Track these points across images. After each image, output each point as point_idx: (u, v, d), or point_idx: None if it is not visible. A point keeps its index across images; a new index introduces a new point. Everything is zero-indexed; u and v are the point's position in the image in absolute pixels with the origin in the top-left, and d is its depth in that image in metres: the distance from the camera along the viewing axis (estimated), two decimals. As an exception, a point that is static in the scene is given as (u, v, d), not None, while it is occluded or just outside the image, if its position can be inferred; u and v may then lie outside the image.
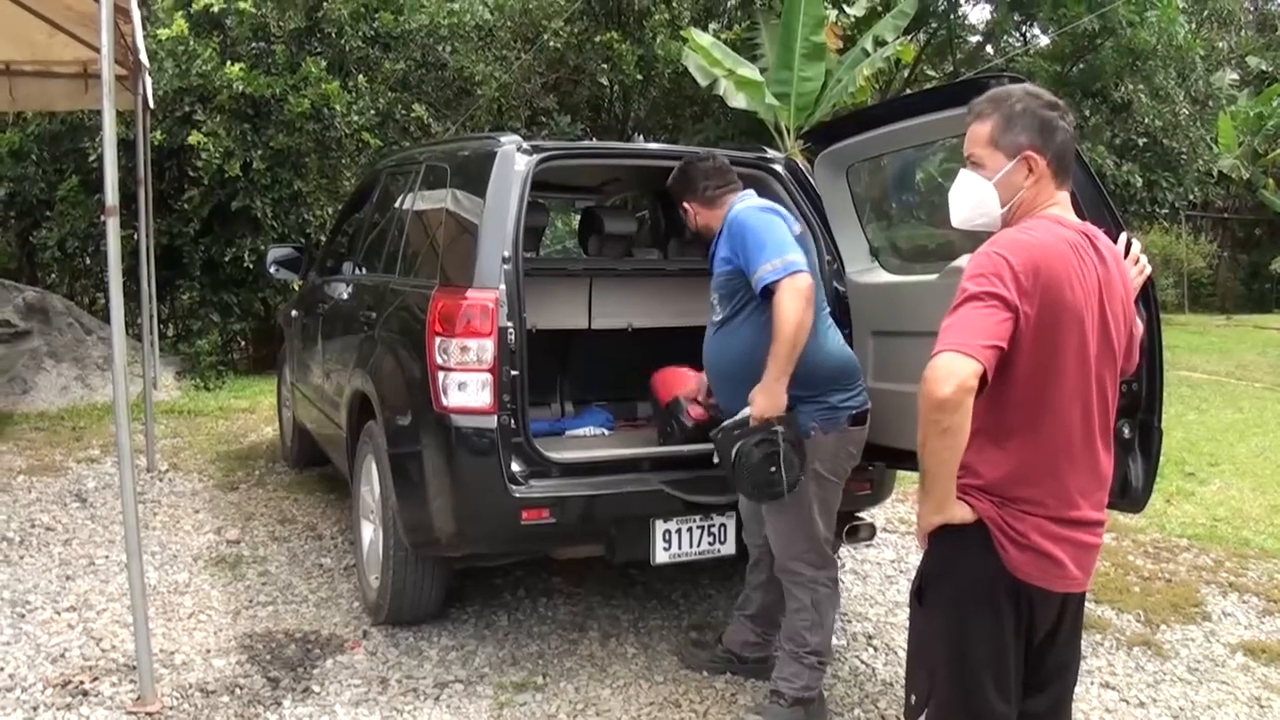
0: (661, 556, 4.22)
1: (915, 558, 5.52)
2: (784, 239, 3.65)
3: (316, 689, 4.14)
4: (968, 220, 2.64)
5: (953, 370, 2.28)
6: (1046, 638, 2.58)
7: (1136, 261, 2.83)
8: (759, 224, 3.73)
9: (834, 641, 4.70)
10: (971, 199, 2.61)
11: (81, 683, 4.15)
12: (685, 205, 4.13)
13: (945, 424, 2.31)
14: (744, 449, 3.60)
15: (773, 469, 3.58)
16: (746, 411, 3.62)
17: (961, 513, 2.48)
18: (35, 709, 3.94)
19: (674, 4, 13.70)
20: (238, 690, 4.12)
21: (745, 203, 3.93)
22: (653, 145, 5.96)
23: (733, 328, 3.81)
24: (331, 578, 5.36)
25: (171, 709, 3.96)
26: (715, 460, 3.79)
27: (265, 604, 5.01)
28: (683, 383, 4.63)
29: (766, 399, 3.58)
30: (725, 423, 3.72)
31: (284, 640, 4.59)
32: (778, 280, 3.54)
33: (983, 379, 2.30)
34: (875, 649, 4.67)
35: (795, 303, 3.51)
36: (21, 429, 8.84)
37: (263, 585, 5.25)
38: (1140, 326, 2.75)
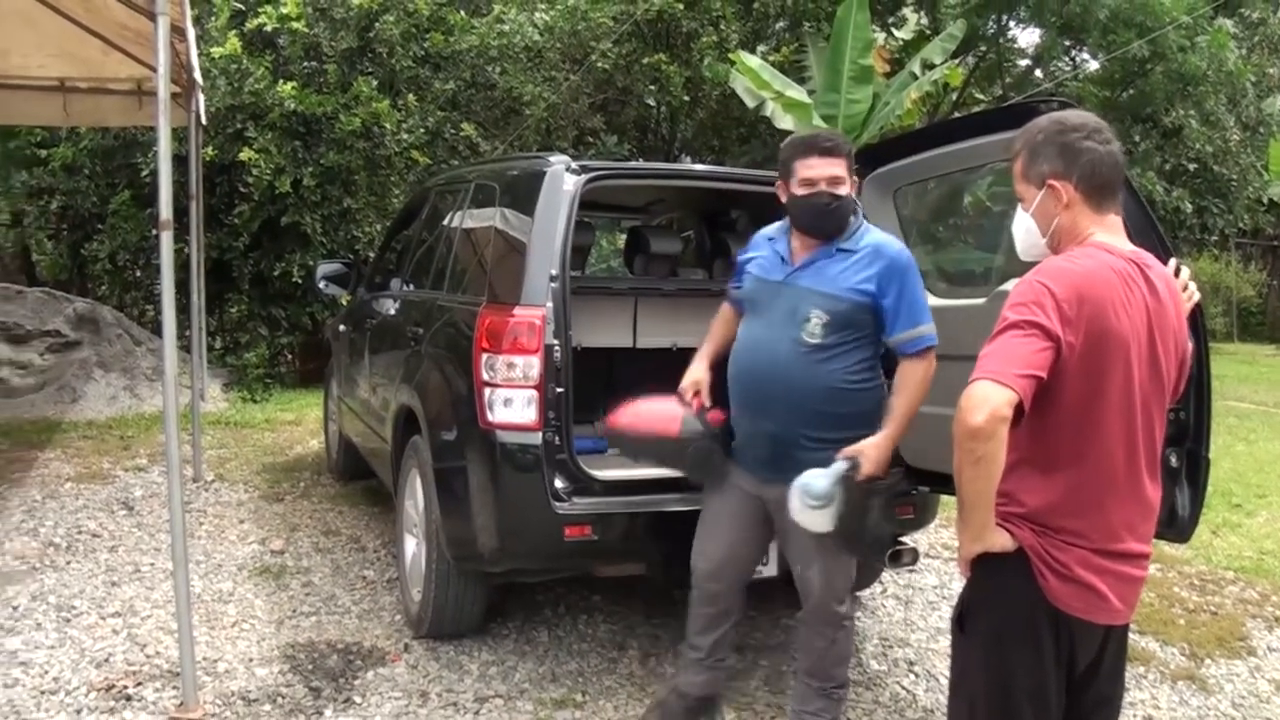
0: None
1: (958, 584, 5.47)
2: None
3: (358, 700, 4.17)
4: (1025, 253, 2.67)
5: (987, 399, 2.27)
6: (1088, 670, 2.55)
7: (1185, 288, 2.81)
8: (919, 277, 3.65)
9: (875, 666, 4.70)
10: (1020, 233, 2.66)
11: (125, 687, 4.21)
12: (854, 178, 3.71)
13: (979, 453, 2.30)
14: (871, 505, 3.34)
15: (888, 525, 3.43)
16: (843, 466, 3.30)
17: (1002, 540, 2.46)
18: (79, 712, 4.01)
19: (722, 26, 13.73)
20: (279, 699, 4.16)
21: (897, 242, 3.74)
22: (699, 166, 5.99)
23: (827, 357, 3.52)
24: (374, 590, 5.40)
25: (214, 716, 4.00)
26: (830, 518, 3.33)
27: (308, 614, 5.05)
28: (663, 411, 3.85)
29: (881, 456, 3.37)
30: (848, 476, 3.31)
31: (326, 651, 4.63)
32: (931, 347, 3.54)
33: (1020, 408, 2.29)
34: (916, 675, 4.64)
35: (931, 373, 3.54)
36: (70, 437, 8.96)
37: (306, 596, 5.30)
38: (1190, 354, 2.71)
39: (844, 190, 3.58)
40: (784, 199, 3.68)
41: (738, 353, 3.72)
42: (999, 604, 2.54)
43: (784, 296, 3.62)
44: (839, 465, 3.33)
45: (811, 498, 3.28)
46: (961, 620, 2.64)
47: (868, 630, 5.11)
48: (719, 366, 3.85)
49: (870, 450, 3.36)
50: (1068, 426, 2.42)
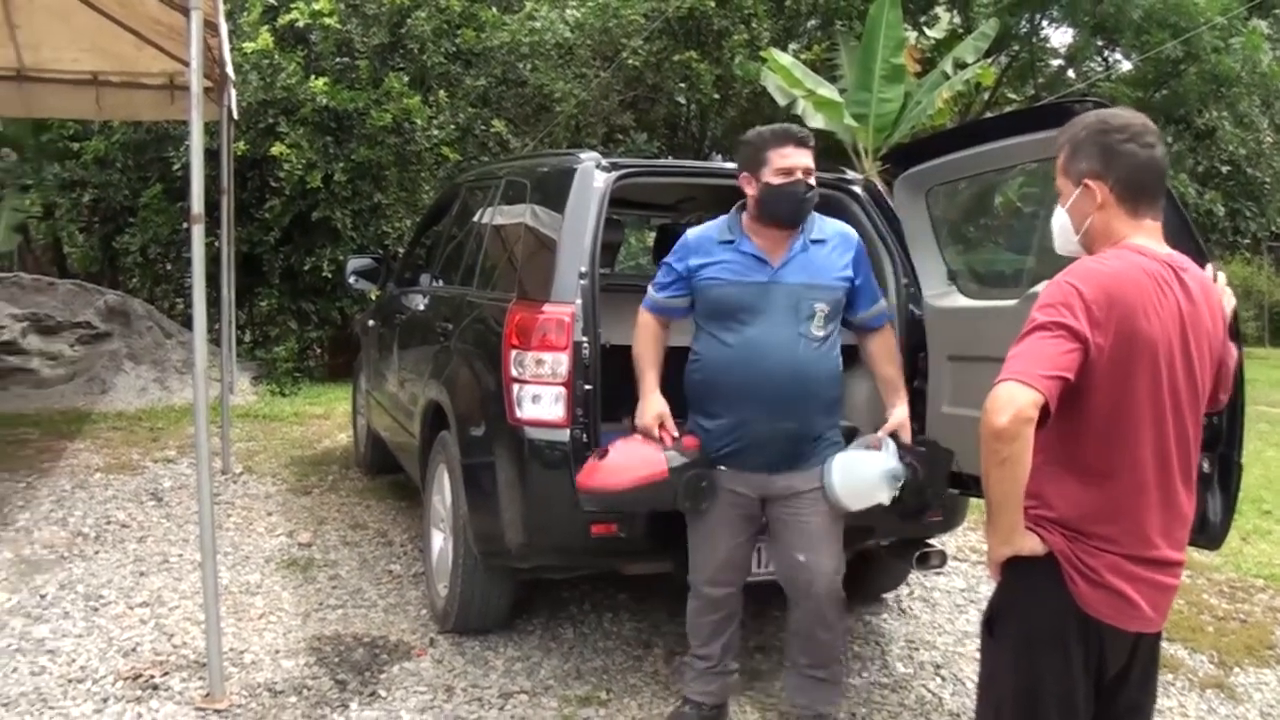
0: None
1: (986, 588, 5.45)
2: None
3: (383, 694, 4.18)
4: (1061, 249, 2.63)
5: (1012, 400, 2.26)
6: (1117, 677, 2.52)
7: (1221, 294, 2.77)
8: None
9: (901, 669, 4.68)
10: (1057, 229, 2.62)
11: (152, 677, 4.24)
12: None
13: (1004, 454, 2.29)
14: (941, 461, 3.85)
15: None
16: (893, 443, 3.72)
17: (1031, 544, 2.44)
18: (105, 701, 4.03)
19: (754, 24, 13.70)
20: (305, 691, 4.18)
21: (850, 228, 3.97)
22: (729, 165, 5.95)
23: (828, 347, 3.71)
24: (400, 584, 5.41)
25: (240, 707, 4.02)
26: (900, 486, 3.68)
27: (335, 607, 5.07)
28: (638, 456, 3.72)
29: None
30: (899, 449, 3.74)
31: (352, 644, 4.65)
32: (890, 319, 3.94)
33: (1046, 409, 2.27)
34: (943, 679, 4.61)
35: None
36: (100, 428, 9.04)
37: (333, 589, 5.32)
38: (1232, 359, 2.67)
39: (812, 181, 3.71)
40: (752, 190, 3.68)
41: (735, 359, 3.65)
42: (1028, 608, 2.51)
43: (777, 295, 3.64)
44: (890, 442, 3.70)
45: (894, 480, 3.61)
46: (991, 624, 2.62)
47: (894, 632, 5.09)
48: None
49: (906, 423, 3.81)
50: (1097, 430, 2.39)
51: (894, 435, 3.79)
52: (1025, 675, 2.50)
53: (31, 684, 4.14)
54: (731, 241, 3.72)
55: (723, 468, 3.68)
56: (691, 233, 3.85)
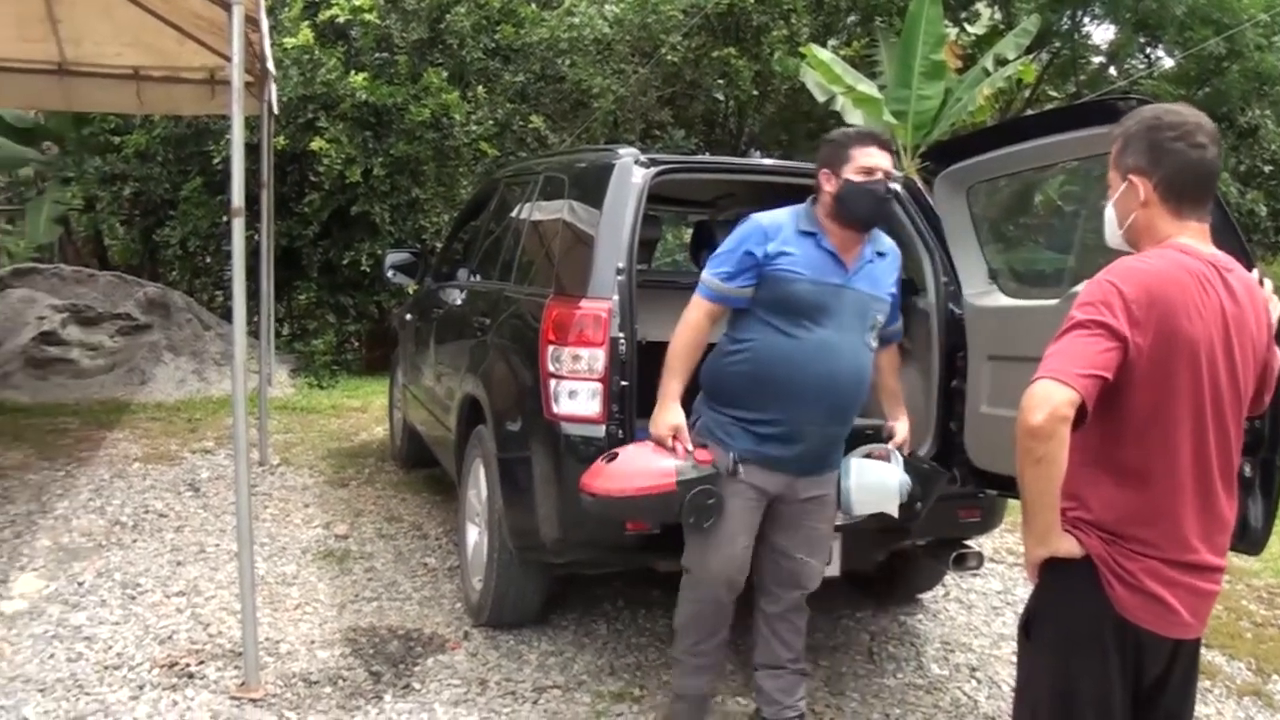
0: None
1: (1022, 590, 5.41)
2: None
3: (417, 686, 4.20)
4: (1111, 242, 2.60)
5: (1047, 398, 2.23)
6: (1155, 684, 2.48)
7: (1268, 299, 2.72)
8: None
9: (936, 671, 4.64)
10: (1106, 219, 2.58)
11: (187, 665, 4.27)
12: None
13: (1039, 453, 2.26)
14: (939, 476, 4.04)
15: None
16: (900, 455, 3.86)
17: (1067, 545, 2.41)
18: (141, 688, 4.08)
19: (793, 20, 13.65)
20: (340, 682, 4.21)
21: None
22: (766, 161, 5.95)
23: (872, 358, 3.75)
24: (435, 577, 5.43)
25: (274, 696, 4.05)
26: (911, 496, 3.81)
27: (370, 599, 5.10)
28: (649, 466, 3.65)
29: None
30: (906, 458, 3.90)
31: (387, 636, 4.67)
32: None
33: (1083, 409, 2.25)
34: (978, 681, 4.58)
35: None
36: (138, 418, 9.12)
37: (368, 581, 5.35)
38: (1276, 362, 2.60)
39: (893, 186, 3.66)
40: (831, 187, 3.58)
41: (802, 357, 3.55)
42: (1065, 612, 2.49)
43: (847, 300, 3.60)
44: (898, 455, 3.83)
45: (904, 492, 3.73)
46: (1028, 626, 2.59)
47: (929, 633, 5.06)
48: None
49: (908, 435, 3.95)
50: (1136, 431, 2.36)
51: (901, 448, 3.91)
52: (1061, 679, 2.47)
53: (68, 670, 4.19)
54: (813, 234, 3.61)
55: (750, 465, 3.60)
56: (763, 218, 3.67)
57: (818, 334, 3.56)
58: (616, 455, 3.69)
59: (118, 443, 8.11)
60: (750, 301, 3.63)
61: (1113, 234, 2.56)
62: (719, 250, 3.70)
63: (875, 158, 3.57)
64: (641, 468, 3.63)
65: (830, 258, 3.59)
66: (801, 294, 3.55)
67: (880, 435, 3.96)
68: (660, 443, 3.65)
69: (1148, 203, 2.44)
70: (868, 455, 3.82)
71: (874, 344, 3.70)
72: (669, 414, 3.65)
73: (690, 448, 3.64)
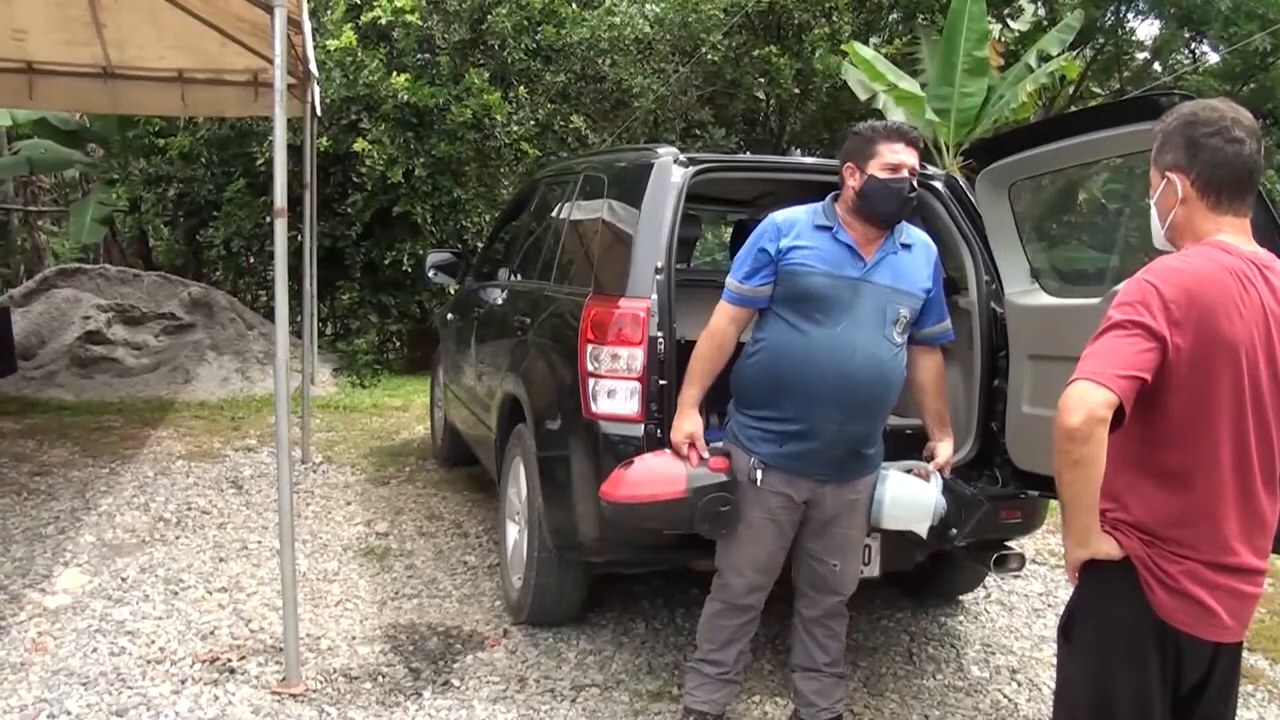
0: None
1: (1064, 592, 5.36)
2: None
3: (456, 683, 4.22)
4: (1155, 241, 2.56)
5: (1084, 399, 2.21)
6: (1195, 688, 2.45)
7: None
8: None
9: (976, 673, 4.61)
10: (1151, 219, 2.54)
11: (229, 660, 4.31)
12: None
13: (1076, 455, 2.24)
14: (980, 501, 3.86)
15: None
16: (939, 480, 3.75)
17: (1108, 547, 2.39)
18: (184, 682, 4.12)
19: (835, 18, 13.60)
20: (380, 678, 4.23)
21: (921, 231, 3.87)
22: (807, 159, 5.93)
23: (901, 355, 3.59)
24: (475, 575, 5.45)
25: (315, 692, 4.08)
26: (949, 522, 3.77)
27: (410, 596, 5.12)
28: (661, 472, 3.65)
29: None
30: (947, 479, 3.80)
31: (426, 633, 4.69)
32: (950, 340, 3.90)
33: (1121, 410, 2.22)
34: (1019, 684, 4.54)
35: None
36: (182, 416, 9.21)
37: (408, 578, 5.37)
38: None
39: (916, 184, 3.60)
40: (855, 182, 3.52)
41: (815, 353, 3.47)
42: (1104, 614, 2.47)
43: (866, 294, 3.50)
44: (938, 477, 3.74)
45: (937, 515, 3.67)
46: (1067, 629, 2.57)
47: (969, 635, 5.02)
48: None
49: (951, 460, 3.83)
50: (1175, 432, 2.33)
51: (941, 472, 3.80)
52: (1101, 682, 2.45)
53: (111, 664, 4.24)
54: (829, 228, 3.55)
55: (771, 471, 3.54)
56: (779, 215, 3.64)
57: (830, 329, 3.47)
58: (633, 463, 3.70)
59: (161, 440, 8.19)
60: (769, 300, 3.58)
61: (1157, 233, 2.53)
62: (739, 253, 3.68)
63: (902, 154, 3.50)
64: (655, 475, 3.63)
65: (847, 250, 3.52)
66: (814, 287, 3.49)
67: (919, 438, 3.92)
68: (677, 450, 3.65)
69: (1186, 199, 2.42)
70: (908, 471, 3.74)
71: (899, 340, 3.56)
72: (685, 421, 3.65)
73: (706, 455, 3.61)
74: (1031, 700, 4.38)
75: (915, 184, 3.55)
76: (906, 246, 3.62)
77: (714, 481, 3.55)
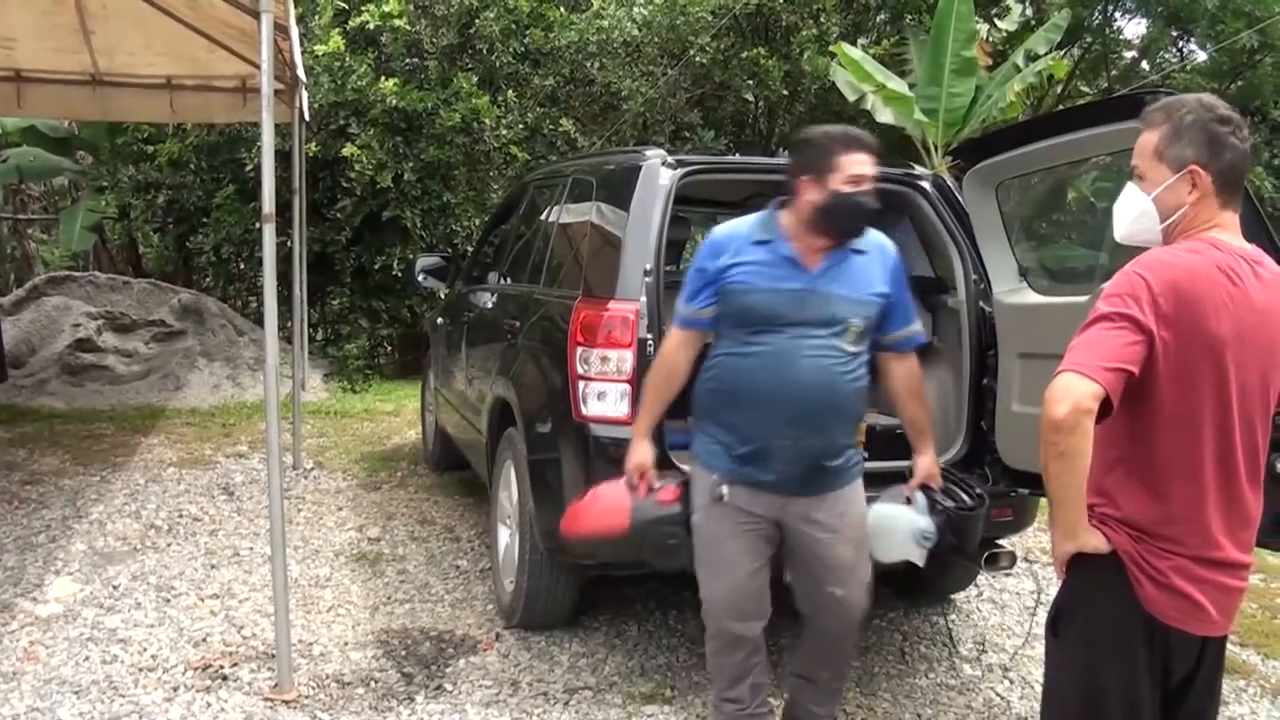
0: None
1: (1055, 589, 5.36)
2: None
3: (449, 687, 4.22)
4: (1129, 236, 2.52)
5: (1070, 391, 2.22)
6: (1182, 683, 2.47)
7: None
8: None
9: (969, 671, 4.61)
10: (1132, 213, 2.49)
11: (221, 667, 4.31)
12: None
13: (1061, 446, 2.25)
14: (976, 517, 3.78)
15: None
16: (922, 499, 3.62)
17: (1095, 541, 2.40)
18: (176, 689, 4.12)
19: (822, 19, 13.60)
20: (373, 683, 4.23)
21: (888, 239, 3.60)
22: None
23: (857, 365, 3.39)
24: (467, 579, 5.45)
25: (308, 698, 4.08)
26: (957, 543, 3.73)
27: (402, 601, 5.12)
28: (609, 504, 3.64)
29: (938, 473, 3.73)
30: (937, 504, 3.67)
31: (419, 638, 4.69)
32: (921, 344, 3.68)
33: (1107, 402, 2.23)
34: (1011, 681, 4.55)
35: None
36: (173, 423, 9.21)
37: (401, 583, 5.37)
38: None
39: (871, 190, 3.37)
40: (816, 196, 3.30)
41: (761, 368, 3.33)
42: (1092, 608, 2.48)
43: (811, 305, 3.32)
44: (920, 497, 3.59)
45: (925, 539, 3.51)
46: (1055, 623, 2.58)
47: (962, 633, 5.03)
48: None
49: (935, 472, 3.68)
50: (1161, 427, 2.34)
51: (925, 486, 3.66)
52: (1089, 676, 2.47)
53: (103, 672, 4.24)
54: (767, 241, 3.37)
55: (735, 487, 3.40)
56: (720, 230, 3.52)
57: (775, 342, 3.33)
58: (588, 494, 3.66)
59: (152, 448, 8.18)
60: (715, 320, 3.44)
61: (1143, 228, 2.48)
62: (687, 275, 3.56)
63: (864, 166, 3.30)
64: (602, 507, 3.59)
65: (788, 263, 3.35)
66: (754, 305, 3.34)
67: (903, 436, 3.87)
68: (629, 481, 3.58)
69: (1203, 196, 2.39)
70: (896, 499, 3.61)
71: (851, 348, 3.35)
72: (636, 451, 3.57)
73: (656, 485, 3.54)
74: (1024, 698, 4.39)
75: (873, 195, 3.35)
76: (860, 252, 3.42)
77: (661, 514, 3.49)
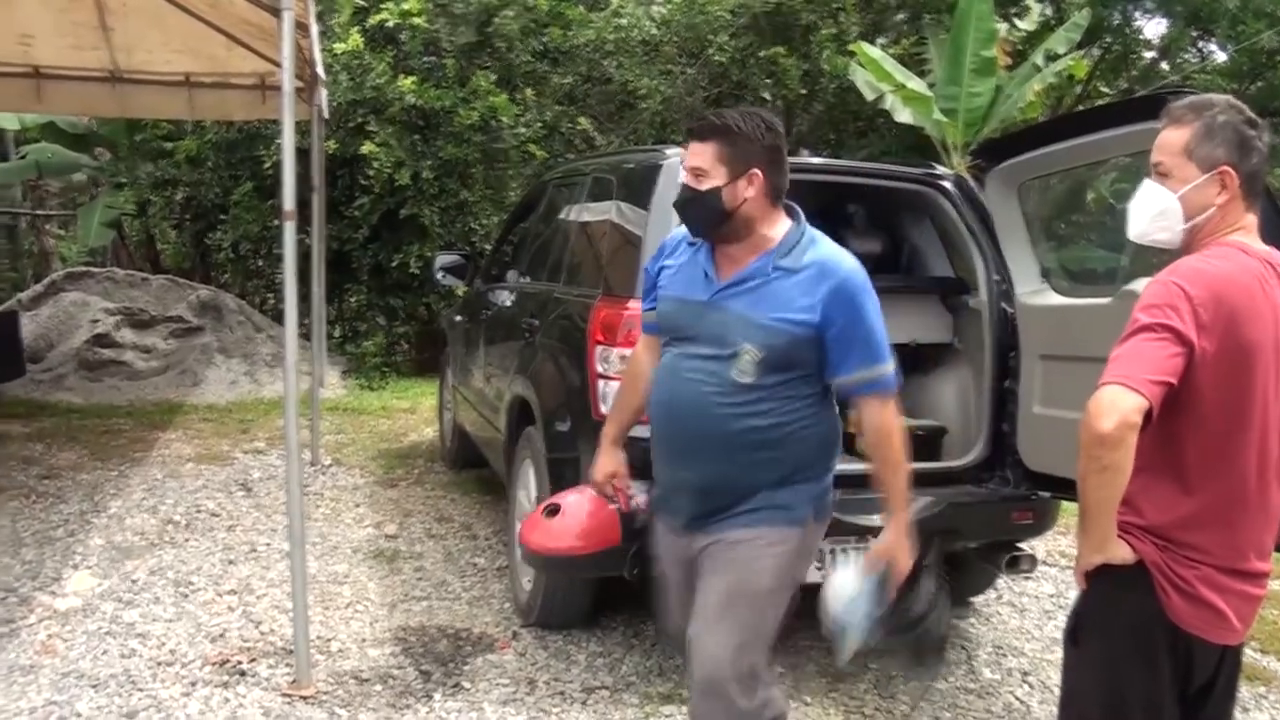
0: (814, 576, 3.70)
1: (1075, 593, 5.33)
2: None
3: (466, 685, 4.21)
4: (1145, 234, 2.46)
5: (1116, 405, 2.17)
6: (1201, 691, 2.45)
7: None
8: (876, 301, 2.87)
9: (988, 675, 4.59)
10: (1152, 211, 2.43)
11: (239, 663, 4.32)
12: (755, 170, 2.83)
13: (1105, 461, 2.21)
14: (927, 603, 3.32)
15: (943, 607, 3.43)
16: (872, 582, 2.92)
17: (1123, 552, 2.37)
18: (194, 684, 4.12)
19: (841, 18, 13.57)
20: (390, 680, 4.23)
21: (848, 257, 2.92)
22: (814, 159, 5.90)
23: (760, 398, 2.83)
24: (484, 577, 5.44)
25: (325, 694, 4.08)
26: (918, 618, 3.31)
27: (420, 599, 5.12)
28: (590, 518, 3.40)
29: (904, 552, 2.91)
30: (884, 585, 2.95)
31: (436, 635, 4.69)
32: (891, 391, 2.88)
33: (1149, 415, 2.19)
34: (1030, 686, 4.52)
35: (898, 424, 2.92)
36: (191, 419, 9.23)
37: (418, 580, 5.37)
38: None
39: (709, 184, 2.83)
40: None
41: (656, 383, 3.04)
42: (1117, 618, 2.45)
43: (709, 322, 2.88)
44: (869, 582, 2.91)
45: (866, 621, 2.90)
46: (1074, 633, 2.55)
47: (981, 637, 5.01)
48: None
49: (896, 554, 2.90)
50: (1198, 437, 2.32)
51: (883, 573, 2.94)
52: (1111, 687, 2.45)
53: (121, 666, 4.24)
54: (696, 245, 3.01)
55: (659, 524, 3.15)
56: (674, 229, 3.20)
57: (666, 358, 3.02)
58: (557, 508, 3.43)
59: (170, 443, 8.20)
60: (657, 325, 3.14)
61: (1163, 227, 2.43)
62: None
63: (691, 155, 2.88)
64: (584, 523, 3.37)
65: (701, 272, 2.94)
66: (664, 313, 3.05)
67: (929, 441, 3.73)
68: (600, 491, 3.32)
69: (1232, 198, 2.37)
70: (862, 567, 2.97)
71: (748, 379, 2.80)
72: (604, 458, 3.29)
73: (632, 494, 3.27)
74: (1044, 703, 4.36)
75: (697, 188, 2.85)
76: (787, 270, 2.84)
77: (645, 525, 3.27)
